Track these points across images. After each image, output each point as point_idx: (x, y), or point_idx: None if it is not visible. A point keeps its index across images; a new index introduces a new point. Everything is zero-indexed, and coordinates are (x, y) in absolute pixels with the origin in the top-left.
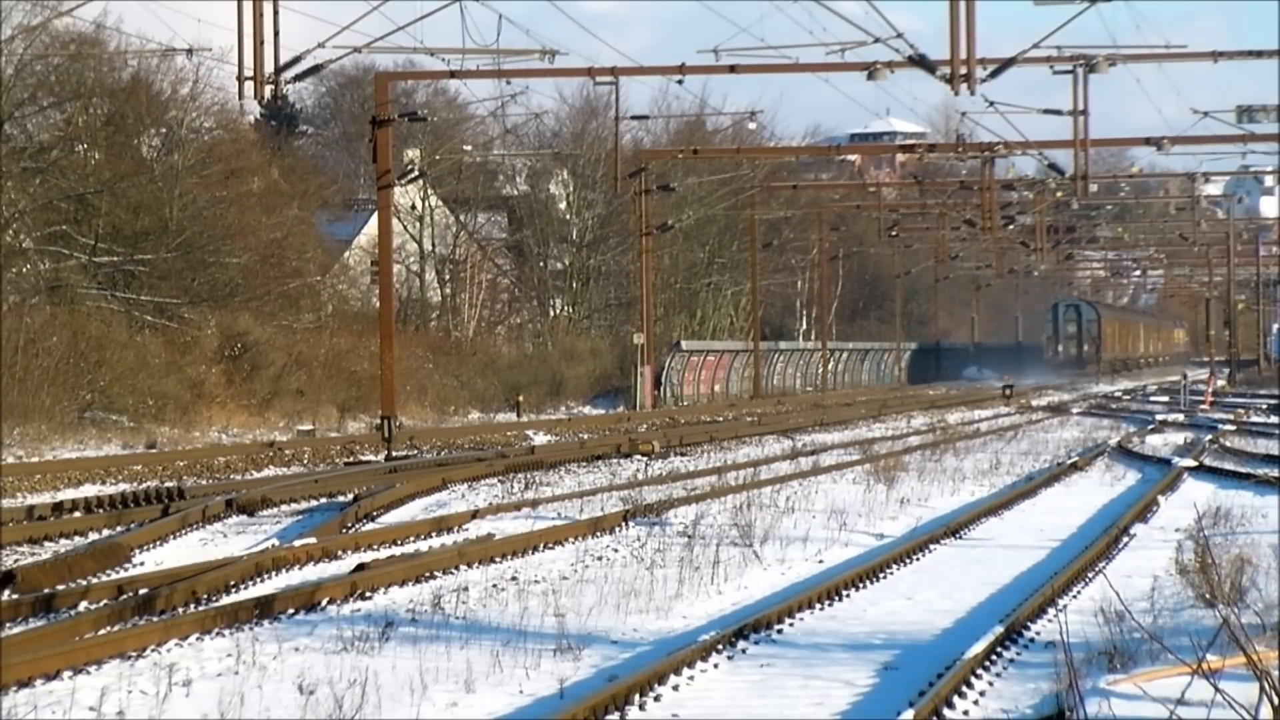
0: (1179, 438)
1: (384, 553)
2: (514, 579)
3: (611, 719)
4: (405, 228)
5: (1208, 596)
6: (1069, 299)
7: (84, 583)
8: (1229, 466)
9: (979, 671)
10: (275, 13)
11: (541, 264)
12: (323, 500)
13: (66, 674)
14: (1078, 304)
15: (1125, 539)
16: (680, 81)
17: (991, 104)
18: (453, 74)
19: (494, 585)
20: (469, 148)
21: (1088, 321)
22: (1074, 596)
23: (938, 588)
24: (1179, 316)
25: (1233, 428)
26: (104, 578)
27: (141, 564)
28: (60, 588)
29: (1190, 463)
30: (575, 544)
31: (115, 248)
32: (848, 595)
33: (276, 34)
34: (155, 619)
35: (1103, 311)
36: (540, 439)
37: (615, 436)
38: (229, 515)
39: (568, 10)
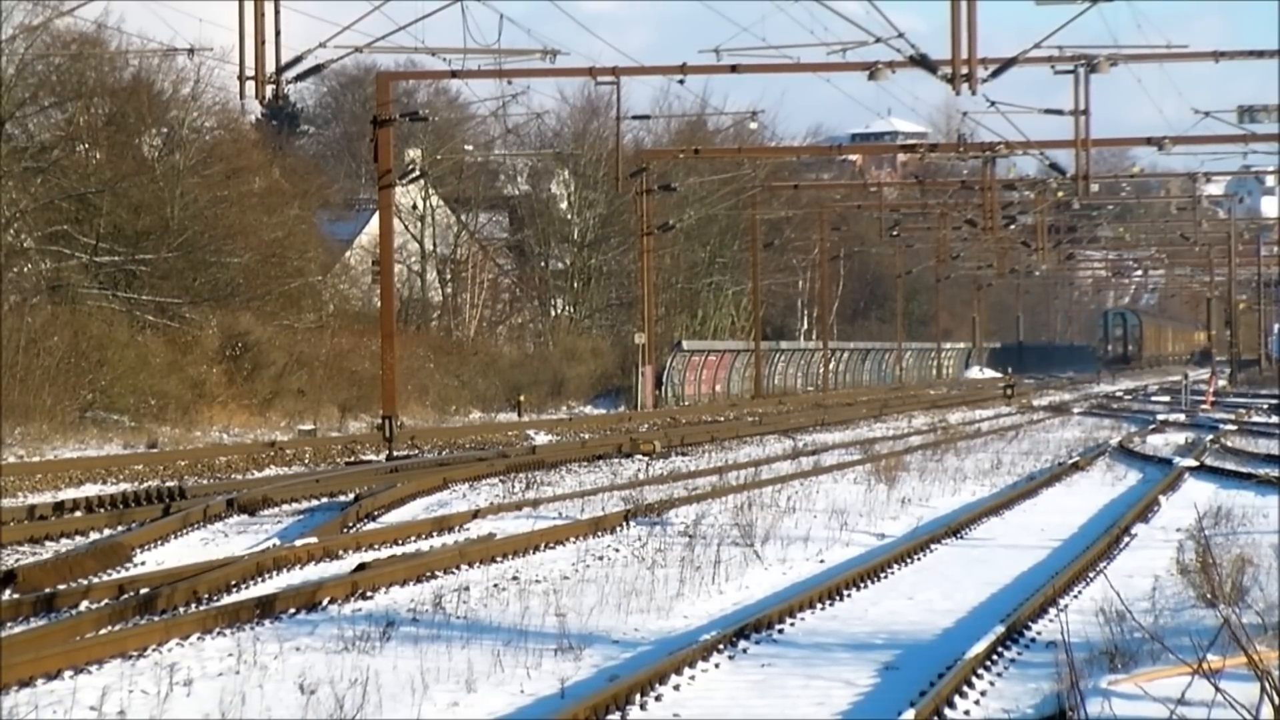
0: (1180, 438)
1: (385, 552)
2: (515, 579)
3: (613, 719)
4: (406, 227)
5: (1209, 596)
6: (1117, 308)
7: (85, 582)
8: (1230, 466)
9: (980, 671)
10: (276, 12)
11: (543, 264)
12: (324, 500)
13: (67, 673)
14: (1124, 312)
15: (1126, 539)
16: (681, 81)
17: (993, 104)
18: (454, 74)
19: (495, 585)
20: (470, 147)
21: (1131, 326)
22: (1075, 596)
23: (939, 587)
24: (1198, 320)
25: (1234, 428)
26: (105, 577)
27: (142, 563)
28: (61, 587)
29: (1191, 463)
30: (576, 544)
31: (116, 247)
32: (849, 595)
33: (277, 34)
34: (156, 619)
35: (1143, 318)
36: (541, 439)
37: (616, 436)
38: (230, 515)
39: (568, 10)
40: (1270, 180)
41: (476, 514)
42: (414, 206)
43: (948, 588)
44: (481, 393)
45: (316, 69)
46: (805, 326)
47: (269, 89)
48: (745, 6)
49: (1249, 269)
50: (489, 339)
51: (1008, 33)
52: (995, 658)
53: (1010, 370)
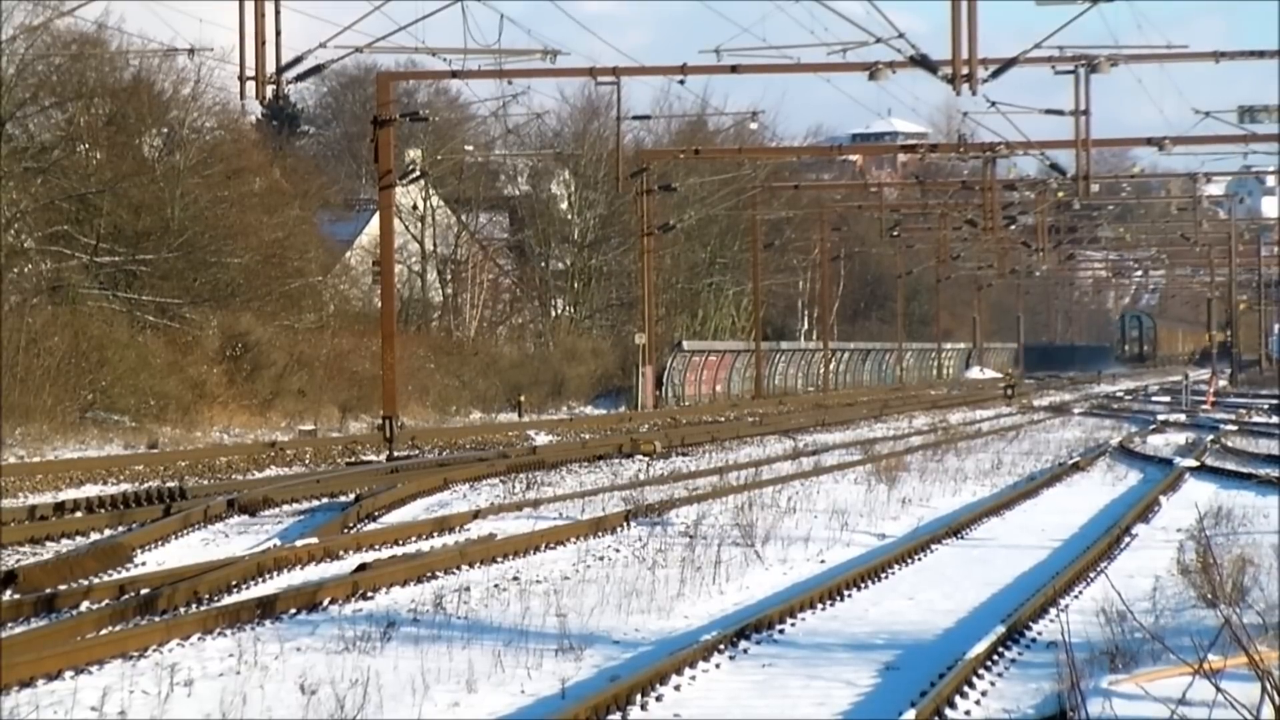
0: (1181, 438)
1: (385, 553)
2: (516, 579)
3: (613, 719)
4: (407, 228)
5: (1209, 596)
6: (1133, 311)
7: (86, 583)
8: (1230, 467)
9: (981, 671)
10: (276, 13)
11: (543, 264)
12: (324, 500)
13: (68, 674)
14: (1139, 315)
15: (1127, 539)
16: (682, 81)
17: (993, 104)
18: (454, 74)
19: (496, 585)
20: (470, 148)
21: (1146, 328)
22: (1076, 596)
23: (939, 588)
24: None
25: (1234, 428)
26: (106, 578)
27: (143, 564)
28: (62, 587)
29: (1192, 463)
30: (577, 544)
31: (117, 248)
32: (849, 595)
33: (278, 34)
34: (157, 619)
35: (1157, 320)
36: (542, 439)
37: (617, 436)
38: (231, 515)
39: (568, 10)
40: (1271, 180)
41: (477, 514)
42: (414, 207)
43: (948, 588)
44: (482, 393)
45: (317, 69)
46: (806, 327)
47: (269, 89)
48: (745, 6)
49: (1249, 269)
50: (489, 339)
51: (1008, 33)
52: (996, 658)
53: (1011, 371)
